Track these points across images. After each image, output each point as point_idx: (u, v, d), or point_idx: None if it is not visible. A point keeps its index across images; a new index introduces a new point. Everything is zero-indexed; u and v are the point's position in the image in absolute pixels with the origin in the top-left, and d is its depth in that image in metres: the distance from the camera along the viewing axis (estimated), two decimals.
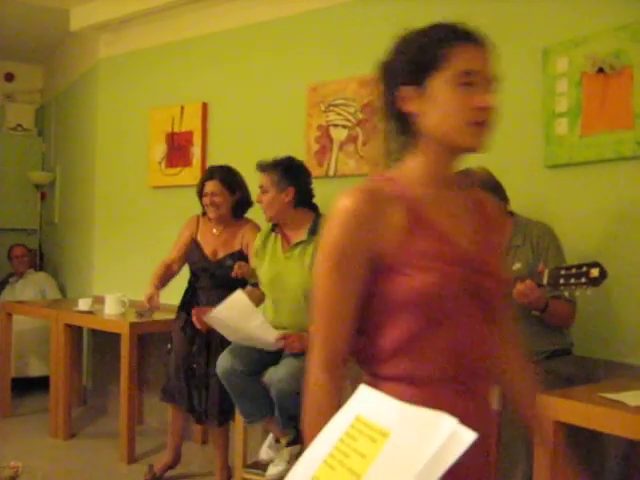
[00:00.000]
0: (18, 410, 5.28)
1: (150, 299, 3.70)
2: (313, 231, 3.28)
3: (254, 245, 3.49)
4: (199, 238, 3.89)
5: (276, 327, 3.35)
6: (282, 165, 3.36)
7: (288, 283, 3.29)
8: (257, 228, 3.73)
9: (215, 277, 3.77)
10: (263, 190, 3.34)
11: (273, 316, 3.37)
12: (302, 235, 3.31)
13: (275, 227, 3.41)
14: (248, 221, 3.86)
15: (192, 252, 3.89)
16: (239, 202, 3.83)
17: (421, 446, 0.84)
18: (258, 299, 3.49)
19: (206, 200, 3.78)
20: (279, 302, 3.34)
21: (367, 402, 0.99)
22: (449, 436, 0.83)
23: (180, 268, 3.97)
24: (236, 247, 3.77)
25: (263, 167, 3.37)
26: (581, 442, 2.90)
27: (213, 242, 3.83)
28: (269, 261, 3.37)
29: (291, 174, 3.35)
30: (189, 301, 3.85)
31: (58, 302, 5.57)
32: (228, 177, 3.80)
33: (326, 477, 0.92)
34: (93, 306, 4.62)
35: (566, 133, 3.11)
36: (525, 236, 2.86)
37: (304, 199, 3.38)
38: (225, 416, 3.67)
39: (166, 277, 3.87)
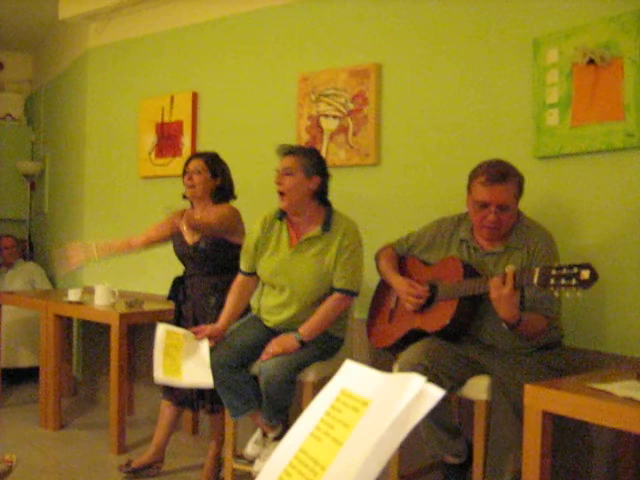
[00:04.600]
0: (8, 401, 5.27)
1: (73, 250, 3.91)
2: (327, 227, 3.22)
3: (252, 233, 3.35)
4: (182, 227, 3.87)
5: (267, 312, 3.34)
6: (313, 152, 3.31)
7: (294, 277, 3.23)
8: (234, 210, 3.69)
9: (195, 262, 3.74)
10: (286, 172, 3.19)
11: (268, 304, 3.34)
12: (315, 230, 3.22)
13: (283, 216, 3.30)
14: (227, 205, 3.77)
15: (175, 241, 3.86)
16: (220, 187, 3.78)
17: (392, 407, 0.89)
18: (252, 288, 3.45)
19: (187, 178, 3.72)
20: (280, 294, 3.28)
21: (351, 376, 1.03)
22: (417, 394, 0.89)
23: (143, 244, 3.92)
24: None
25: (292, 149, 3.27)
26: (570, 431, 2.92)
27: None
28: (273, 251, 3.28)
29: (320, 163, 3.28)
30: (176, 291, 3.83)
31: (48, 292, 5.55)
32: (213, 161, 3.77)
33: (312, 448, 0.97)
34: (83, 297, 4.61)
35: (556, 124, 3.11)
36: (525, 240, 2.85)
37: (323, 193, 3.29)
38: (218, 404, 3.62)
39: (121, 247, 3.94)
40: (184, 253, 3.79)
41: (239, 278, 3.43)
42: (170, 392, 3.78)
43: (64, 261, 3.96)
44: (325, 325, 3.21)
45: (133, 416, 4.93)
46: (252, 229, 3.37)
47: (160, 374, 3.36)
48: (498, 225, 2.82)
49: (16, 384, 5.63)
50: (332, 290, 3.23)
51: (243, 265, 3.41)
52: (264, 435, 3.31)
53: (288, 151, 3.26)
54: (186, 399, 3.74)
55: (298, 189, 3.19)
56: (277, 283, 3.29)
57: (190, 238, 3.75)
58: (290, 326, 3.26)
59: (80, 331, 5.51)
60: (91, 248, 3.91)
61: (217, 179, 3.75)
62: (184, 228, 3.46)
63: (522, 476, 2.43)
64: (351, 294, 3.23)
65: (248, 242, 3.37)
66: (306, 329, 3.17)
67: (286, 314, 3.28)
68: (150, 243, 3.94)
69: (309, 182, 3.21)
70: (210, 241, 3.64)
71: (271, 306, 3.33)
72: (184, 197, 3.82)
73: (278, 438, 3.26)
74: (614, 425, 2.21)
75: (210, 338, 3.30)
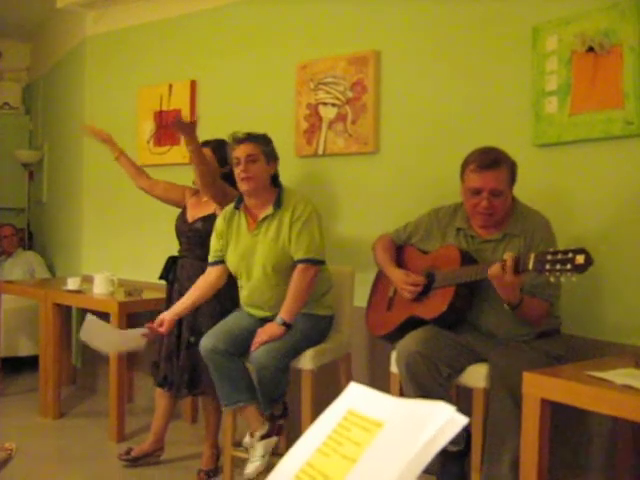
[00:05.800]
0: (7, 390, 5.28)
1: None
2: (278, 204, 3.28)
3: (217, 226, 3.42)
4: (188, 204, 3.90)
5: (249, 305, 3.37)
6: (270, 139, 3.37)
7: (256, 259, 3.28)
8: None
9: (190, 241, 3.77)
10: (251, 159, 3.25)
11: (245, 295, 3.38)
12: (268, 209, 3.28)
13: (240, 204, 3.36)
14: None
15: (178, 217, 3.90)
16: (226, 175, 3.77)
17: (418, 430, 0.86)
18: (214, 278, 3.43)
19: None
20: (249, 280, 3.32)
21: (358, 398, 0.99)
22: (447, 421, 0.85)
23: (145, 186, 4.09)
24: (210, 210, 3.72)
25: (254, 137, 3.32)
26: (568, 418, 2.92)
27: (195, 207, 3.84)
28: (235, 241, 3.34)
29: (274, 149, 3.37)
30: (168, 271, 3.85)
31: (47, 281, 5.55)
32: (221, 149, 3.76)
33: (320, 463, 0.93)
34: (82, 285, 4.61)
35: (555, 112, 3.11)
36: (522, 227, 2.86)
37: (276, 176, 3.38)
38: (194, 387, 3.67)
39: (132, 168, 4.16)
40: (181, 230, 3.83)
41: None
42: (155, 372, 3.82)
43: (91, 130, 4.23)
44: (301, 300, 3.22)
45: (132, 404, 4.93)
46: (217, 222, 3.44)
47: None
48: (491, 211, 2.83)
49: (15, 373, 5.64)
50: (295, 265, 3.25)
51: (209, 256, 3.46)
52: (251, 436, 3.28)
53: (246, 138, 3.30)
54: (165, 380, 3.76)
55: (262, 175, 3.29)
56: (244, 271, 3.33)
57: (190, 216, 3.80)
58: (272, 310, 3.28)
59: (79, 320, 5.50)
60: (117, 145, 4.16)
61: (224, 167, 3.75)
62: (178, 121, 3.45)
63: (520, 464, 2.44)
64: (313, 262, 3.23)
65: (214, 233, 3.44)
66: (284, 311, 3.20)
67: (253, 294, 3.31)
68: (151, 190, 4.08)
69: (270, 168, 3.32)
70: (210, 220, 3.66)
71: (245, 296, 3.38)
72: (193, 183, 3.83)
73: (264, 437, 3.24)
74: (612, 413, 2.21)
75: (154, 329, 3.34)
